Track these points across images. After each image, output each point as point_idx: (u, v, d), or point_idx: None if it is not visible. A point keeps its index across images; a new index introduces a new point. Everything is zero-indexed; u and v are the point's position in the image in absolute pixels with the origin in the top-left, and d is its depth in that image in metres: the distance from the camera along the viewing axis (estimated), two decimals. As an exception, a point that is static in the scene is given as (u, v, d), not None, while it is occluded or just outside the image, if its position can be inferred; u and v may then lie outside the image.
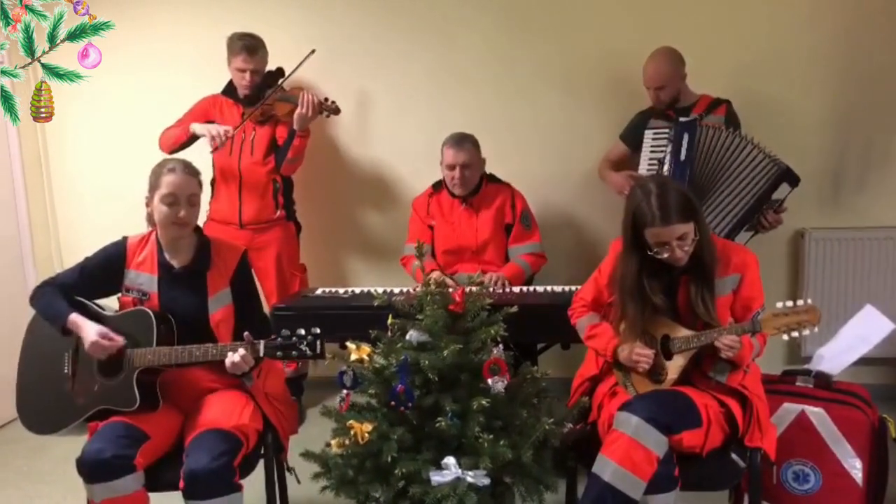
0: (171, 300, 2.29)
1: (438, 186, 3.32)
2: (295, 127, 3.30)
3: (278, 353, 2.10)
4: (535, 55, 3.61)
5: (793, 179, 2.92)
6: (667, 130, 3.06)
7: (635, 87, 3.25)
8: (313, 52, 3.33)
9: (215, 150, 3.31)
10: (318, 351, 2.09)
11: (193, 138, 3.38)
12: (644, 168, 3.12)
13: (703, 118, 3.09)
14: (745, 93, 3.43)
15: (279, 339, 2.11)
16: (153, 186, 2.27)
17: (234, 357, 2.11)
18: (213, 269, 2.32)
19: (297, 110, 3.27)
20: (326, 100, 3.32)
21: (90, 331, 2.18)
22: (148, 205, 2.30)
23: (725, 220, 2.93)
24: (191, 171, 2.29)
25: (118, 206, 3.82)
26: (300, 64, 3.32)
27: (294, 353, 2.09)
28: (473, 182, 3.21)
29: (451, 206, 3.27)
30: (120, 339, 2.19)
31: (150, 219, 2.34)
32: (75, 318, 2.21)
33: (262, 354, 2.12)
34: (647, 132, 3.16)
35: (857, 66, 3.40)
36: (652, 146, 3.11)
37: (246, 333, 2.14)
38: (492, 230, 3.21)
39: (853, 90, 3.43)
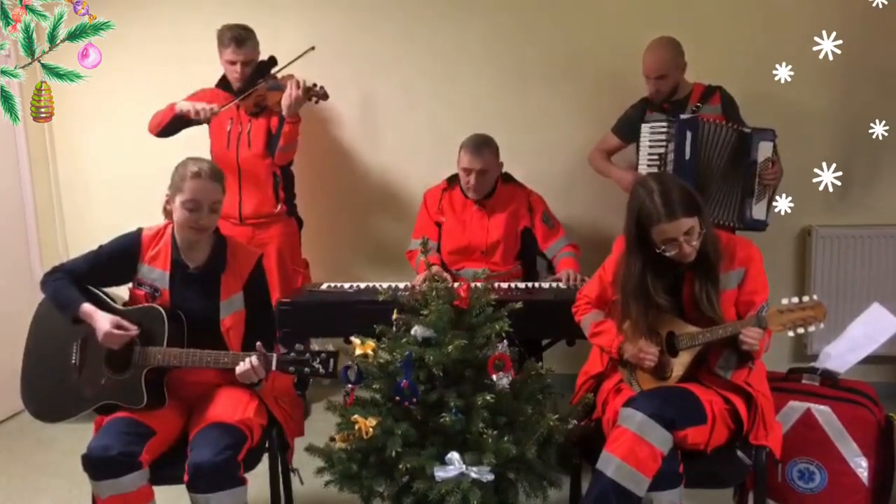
0: (183, 299, 2.28)
1: (453, 181, 3.28)
2: (283, 113, 3.27)
3: (290, 369, 2.10)
4: (539, 49, 3.59)
5: (765, 135, 2.95)
6: (664, 125, 3.03)
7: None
8: (312, 48, 3.28)
9: (199, 123, 3.28)
10: (331, 370, 2.08)
11: (178, 119, 3.30)
12: (644, 164, 3.08)
13: (700, 109, 3.08)
14: (752, 88, 3.41)
15: (292, 353, 2.10)
16: (176, 187, 2.23)
17: (244, 366, 2.10)
18: (227, 272, 2.30)
19: (284, 95, 3.24)
20: (315, 85, 3.28)
21: (104, 321, 2.16)
22: (168, 202, 2.28)
23: (731, 206, 2.96)
24: (216, 177, 2.25)
25: (124, 199, 3.83)
26: (297, 58, 3.28)
27: (306, 369, 2.08)
28: (488, 187, 3.17)
29: (464, 205, 3.23)
30: (134, 329, 2.17)
31: (167, 213, 2.32)
32: (88, 307, 2.20)
33: (273, 368, 2.11)
34: (643, 126, 3.11)
35: (866, 61, 3.37)
36: (651, 141, 3.07)
37: (258, 344, 2.13)
38: (503, 232, 3.17)
39: (862, 86, 3.41)
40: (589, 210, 3.67)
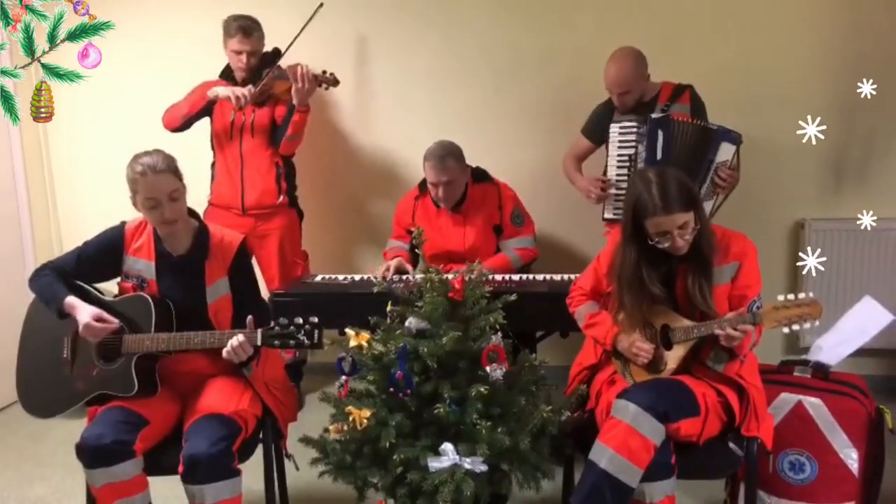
0: (169, 288, 2.29)
1: (425, 188, 3.21)
2: (294, 102, 3.26)
3: (276, 342, 2.10)
4: (538, 41, 3.58)
5: (730, 137, 2.88)
6: (634, 125, 2.95)
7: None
8: (321, 5, 3.23)
9: (240, 109, 3.26)
10: (316, 340, 2.08)
11: (206, 109, 3.32)
12: (613, 165, 3.02)
13: (670, 108, 3.01)
14: (745, 83, 3.42)
15: (277, 327, 2.10)
16: (132, 190, 2.23)
17: (232, 342, 2.10)
18: (211, 258, 2.31)
19: (294, 84, 3.22)
20: (324, 72, 3.28)
21: (84, 313, 2.17)
22: (135, 205, 2.27)
23: None
24: (163, 168, 2.20)
25: (118, 191, 3.76)
26: (308, 20, 3.25)
27: (291, 341, 2.08)
28: (457, 195, 3.11)
29: (438, 213, 3.18)
30: (114, 322, 2.18)
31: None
32: (71, 300, 2.20)
33: (259, 343, 2.11)
34: (612, 126, 3.02)
35: (859, 55, 3.38)
36: (620, 141, 2.99)
37: (249, 318, 2.13)
38: (479, 236, 3.14)
39: (855, 80, 3.41)
40: (582, 204, 3.65)
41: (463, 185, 3.12)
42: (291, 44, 3.30)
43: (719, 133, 2.87)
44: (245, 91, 3.22)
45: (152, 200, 2.20)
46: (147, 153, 2.24)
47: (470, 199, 3.16)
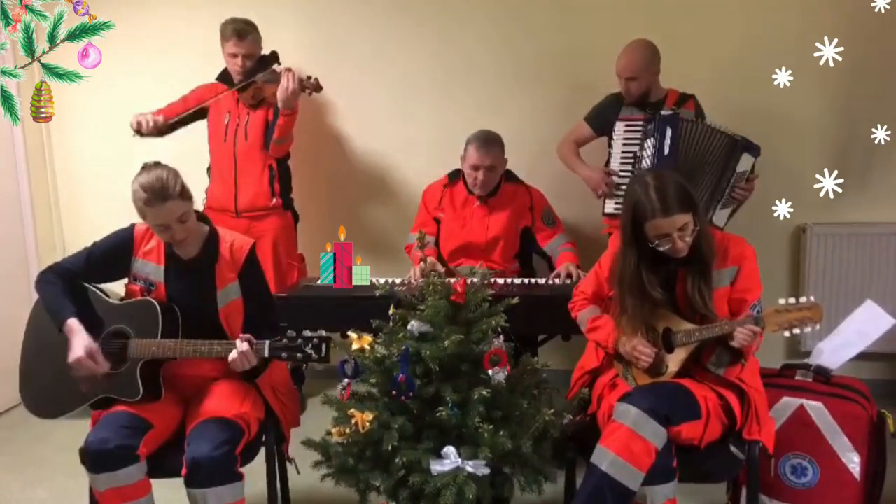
0: (178, 291, 2.29)
1: (455, 177, 3.26)
2: (279, 105, 3.28)
3: (283, 355, 2.10)
4: (540, 44, 3.59)
5: (751, 149, 2.91)
6: (640, 123, 2.98)
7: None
8: (273, 52, 3.39)
9: (138, 133, 3.33)
10: (324, 354, 2.09)
11: (167, 126, 3.42)
12: (617, 161, 3.06)
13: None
14: (746, 85, 3.43)
15: (284, 339, 2.10)
16: (140, 213, 2.21)
17: (234, 354, 2.10)
18: (221, 262, 2.31)
19: (278, 88, 3.25)
20: (309, 77, 3.31)
21: (80, 344, 2.14)
22: (143, 220, 2.27)
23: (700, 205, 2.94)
24: (170, 194, 2.15)
25: (121, 194, 3.78)
26: (266, 59, 3.37)
27: (299, 355, 2.09)
28: (494, 183, 3.16)
29: (465, 202, 3.21)
30: (105, 365, 2.17)
31: None
32: (72, 324, 2.18)
33: (266, 355, 2.12)
34: (618, 123, 3.07)
35: (860, 59, 3.39)
36: (625, 138, 3.03)
37: (245, 335, 2.13)
38: (503, 229, 3.16)
39: (856, 84, 3.42)
40: (585, 208, 3.67)
41: (500, 175, 3.18)
42: (250, 82, 3.35)
43: (743, 143, 2.89)
44: (148, 116, 3.33)
45: (161, 226, 2.20)
46: (148, 172, 2.18)
47: (501, 194, 3.20)
